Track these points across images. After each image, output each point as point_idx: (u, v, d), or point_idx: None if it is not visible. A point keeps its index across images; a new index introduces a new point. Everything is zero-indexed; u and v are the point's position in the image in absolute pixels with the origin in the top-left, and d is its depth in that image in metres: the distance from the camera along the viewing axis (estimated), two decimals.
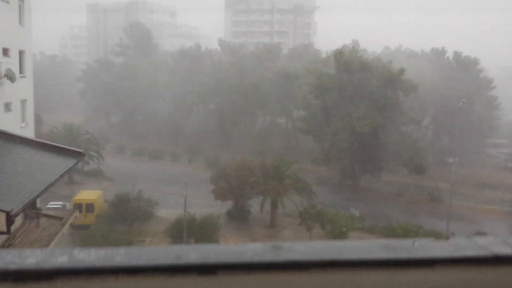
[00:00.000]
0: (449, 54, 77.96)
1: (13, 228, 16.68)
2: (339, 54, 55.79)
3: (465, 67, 71.72)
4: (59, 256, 1.28)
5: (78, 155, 23.17)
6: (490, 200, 51.17)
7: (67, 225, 23.80)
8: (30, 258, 1.26)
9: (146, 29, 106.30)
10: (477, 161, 64.56)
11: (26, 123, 26.90)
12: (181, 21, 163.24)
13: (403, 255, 1.40)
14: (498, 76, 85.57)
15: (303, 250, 1.38)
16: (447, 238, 1.52)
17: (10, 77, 23.48)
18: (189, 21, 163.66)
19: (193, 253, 1.32)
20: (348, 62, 54.44)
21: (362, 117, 50.61)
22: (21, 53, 25.98)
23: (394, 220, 37.87)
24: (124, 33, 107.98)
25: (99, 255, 1.29)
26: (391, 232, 35.50)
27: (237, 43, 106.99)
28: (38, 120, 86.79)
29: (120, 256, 1.29)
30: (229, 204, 40.95)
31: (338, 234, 36.04)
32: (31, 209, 20.77)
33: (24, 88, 26.51)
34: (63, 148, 22.85)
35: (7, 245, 18.02)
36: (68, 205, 37.34)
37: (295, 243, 1.44)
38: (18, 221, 19.30)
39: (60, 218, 21.45)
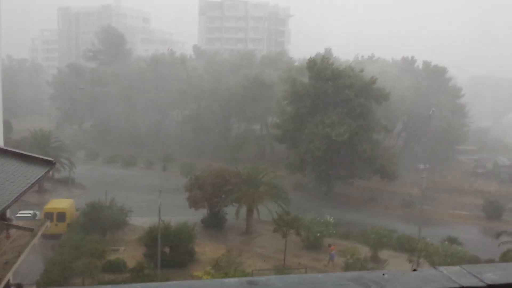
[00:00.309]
0: (419, 64, 79.94)
1: None
2: (312, 63, 56.39)
3: (434, 76, 73.58)
4: None
5: (48, 164, 22.63)
6: (460, 205, 52.47)
7: (38, 236, 23.20)
8: None
9: (118, 34, 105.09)
10: (447, 168, 66.17)
11: None
12: (155, 26, 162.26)
13: None
14: (466, 85, 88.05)
15: (279, 286, 1.41)
16: (414, 269, 1.58)
17: None
18: (163, 27, 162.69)
19: None
20: (321, 70, 55.07)
21: (336, 124, 51.16)
22: None
23: (367, 226, 38.32)
24: (96, 37, 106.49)
25: None
26: (365, 238, 35.90)
27: (211, 50, 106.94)
28: (7, 127, 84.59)
29: None
30: (204, 212, 40.71)
31: (313, 240, 36.33)
32: (1, 220, 20.15)
33: None
34: (33, 157, 22.29)
35: None
36: (39, 214, 36.43)
37: (270, 278, 1.46)
38: None
39: (31, 230, 20.86)
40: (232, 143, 71.97)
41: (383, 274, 1.54)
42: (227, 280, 1.42)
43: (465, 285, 1.48)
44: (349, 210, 50.02)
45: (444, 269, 1.57)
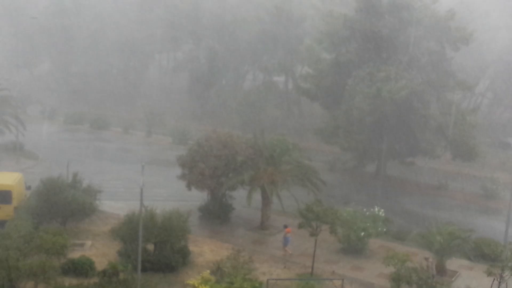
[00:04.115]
0: None
1: None
2: None
3: None
4: None
5: None
6: None
7: None
8: None
9: None
10: None
11: None
12: None
13: None
14: None
15: None
16: None
17: None
18: None
19: None
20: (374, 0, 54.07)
21: (392, 78, 50.64)
22: None
23: (433, 222, 38.23)
24: None
25: None
26: (427, 240, 35.89)
27: None
28: None
29: None
30: (204, 196, 41.03)
31: (355, 240, 36.44)
32: None
33: None
34: None
35: None
36: None
37: None
38: None
39: None
40: (244, 100, 71.76)
41: None
42: None
43: None
44: (407, 199, 50.11)
45: None
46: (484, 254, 36.05)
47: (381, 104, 50.73)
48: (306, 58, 64.71)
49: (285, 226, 36.51)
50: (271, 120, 69.40)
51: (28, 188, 39.36)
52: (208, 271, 30.13)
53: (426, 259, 33.31)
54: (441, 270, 34.92)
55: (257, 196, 39.02)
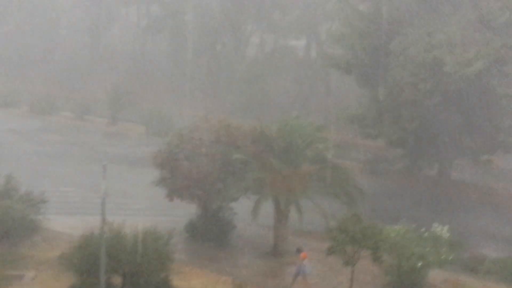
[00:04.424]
0: None
1: None
2: None
3: None
4: None
5: None
6: None
7: None
8: None
9: None
10: None
11: None
12: None
13: None
14: None
15: None
16: None
17: None
18: None
19: None
20: None
21: (458, 44, 50.60)
22: None
23: None
24: None
25: None
26: (510, 270, 36.12)
27: None
28: None
29: None
30: (192, 209, 41.14)
31: (408, 272, 36.41)
32: None
33: None
34: None
35: None
36: None
37: None
38: None
39: None
40: (248, 73, 71.74)
41: None
42: None
43: None
44: (482, 214, 49.97)
45: None
46: None
47: (443, 81, 50.64)
48: (337, 12, 64.51)
49: (299, 250, 36.20)
50: (286, 101, 69.13)
51: None
52: None
53: None
54: None
55: (268, 209, 39.03)
